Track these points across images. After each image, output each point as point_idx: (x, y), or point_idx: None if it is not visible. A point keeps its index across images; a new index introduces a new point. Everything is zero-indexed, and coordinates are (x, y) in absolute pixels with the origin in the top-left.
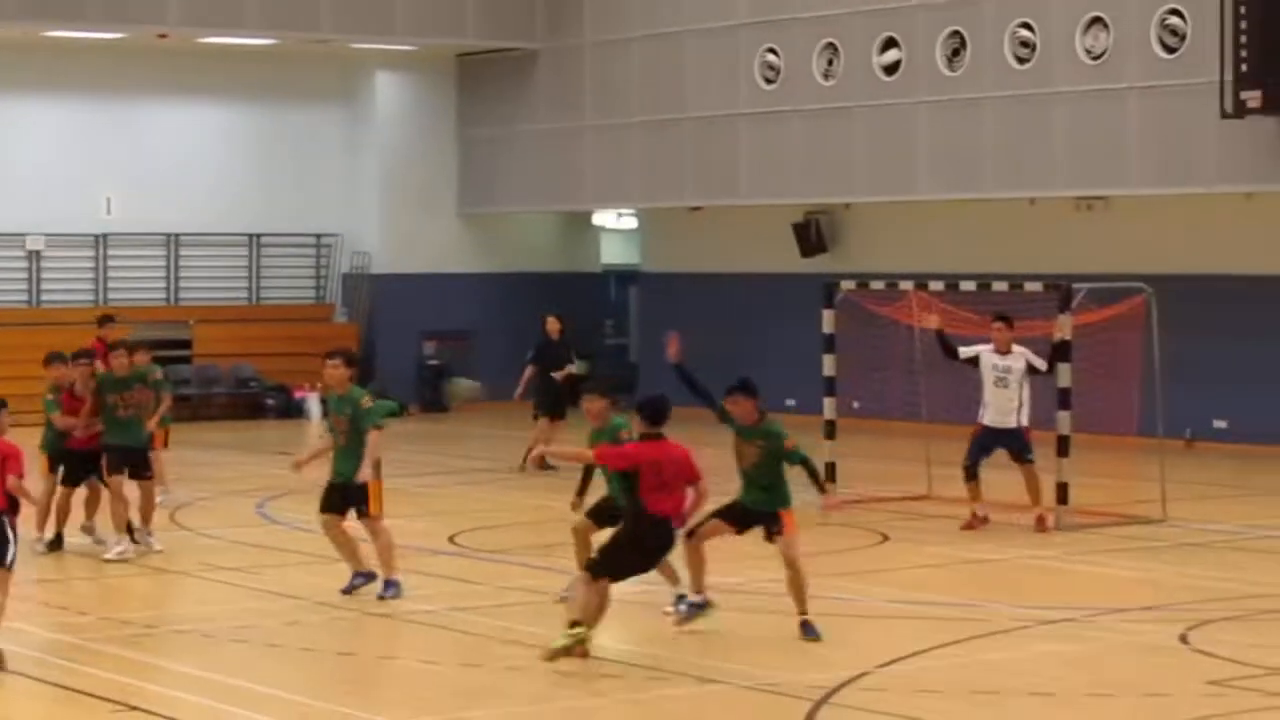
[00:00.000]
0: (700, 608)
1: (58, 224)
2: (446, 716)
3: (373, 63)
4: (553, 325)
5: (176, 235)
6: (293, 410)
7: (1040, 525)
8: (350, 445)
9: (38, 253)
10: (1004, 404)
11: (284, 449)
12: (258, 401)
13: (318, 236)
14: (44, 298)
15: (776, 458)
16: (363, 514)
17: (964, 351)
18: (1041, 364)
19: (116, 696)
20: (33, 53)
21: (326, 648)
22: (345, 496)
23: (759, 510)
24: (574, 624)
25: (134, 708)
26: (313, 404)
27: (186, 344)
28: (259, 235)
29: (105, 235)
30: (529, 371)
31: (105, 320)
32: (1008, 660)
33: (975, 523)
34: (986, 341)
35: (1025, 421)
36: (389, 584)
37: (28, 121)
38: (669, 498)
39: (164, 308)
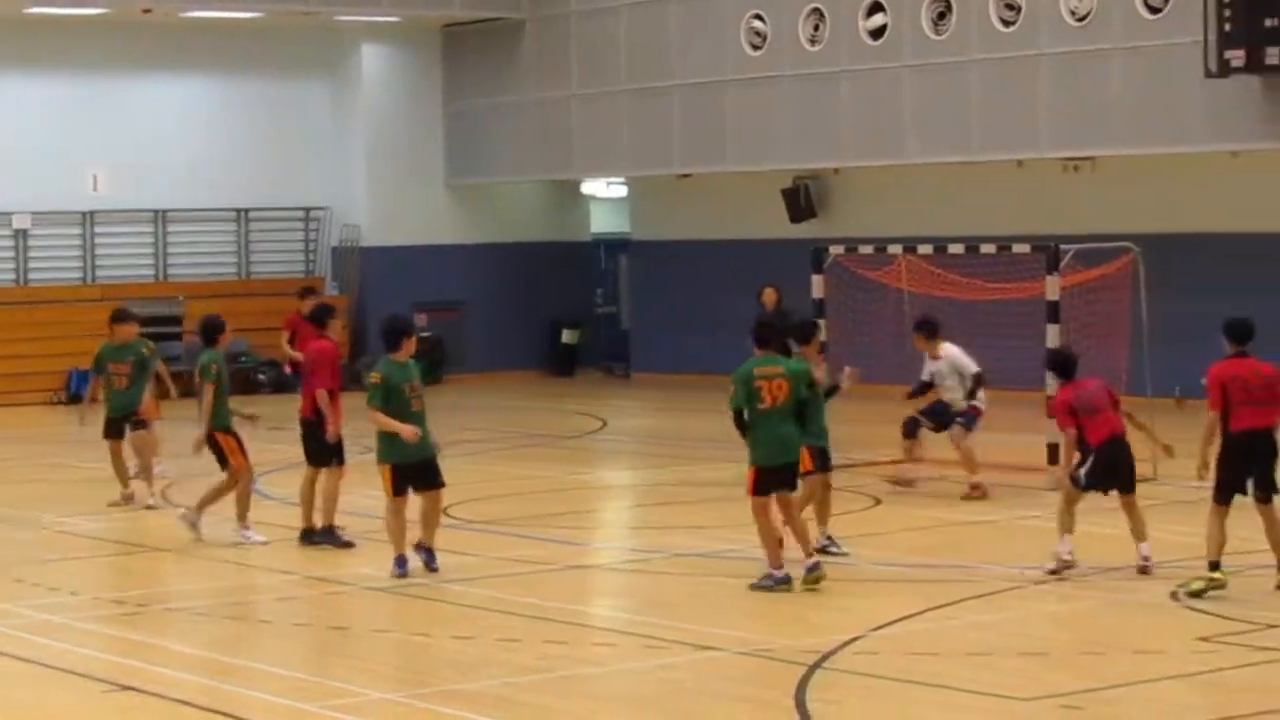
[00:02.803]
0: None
1: (44, 202)
2: (441, 689)
3: (359, 35)
4: (769, 296)
5: (164, 211)
6: (285, 385)
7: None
8: None
9: (25, 231)
10: (949, 397)
11: (277, 424)
12: (250, 376)
13: (306, 210)
14: (31, 276)
15: None
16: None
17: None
18: (970, 368)
19: (108, 676)
20: (17, 29)
21: (319, 623)
22: None
23: None
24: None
25: (126, 687)
26: None
27: (178, 320)
28: (247, 210)
29: (92, 212)
30: None
31: (307, 292)
32: (1000, 621)
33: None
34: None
35: (977, 404)
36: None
37: (12, 98)
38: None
39: (154, 284)
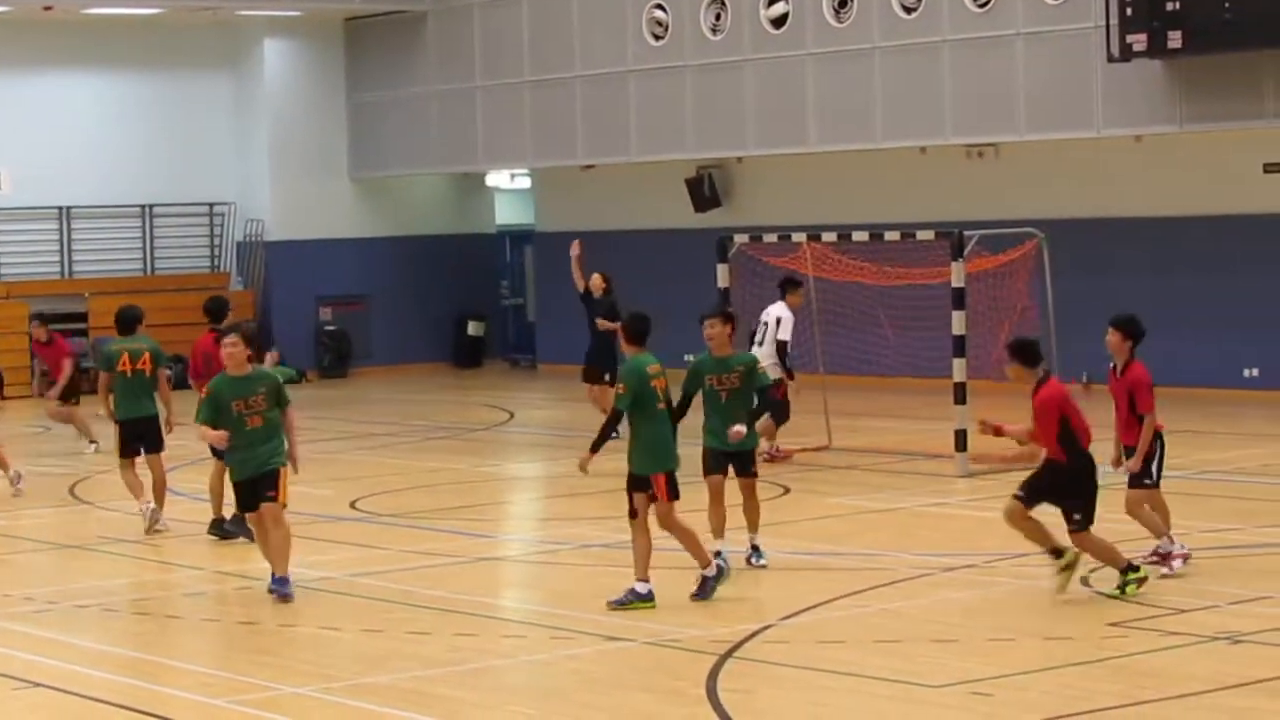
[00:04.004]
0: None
1: None
2: (350, 683)
3: (260, 29)
4: (596, 282)
5: (68, 208)
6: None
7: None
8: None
9: None
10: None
11: (183, 420)
12: None
13: (210, 205)
14: None
15: None
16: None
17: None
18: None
19: (18, 674)
20: None
21: (229, 618)
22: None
23: None
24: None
25: (36, 684)
26: None
27: (83, 317)
28: (151, 206)
29: None
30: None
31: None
32: (909, 608)
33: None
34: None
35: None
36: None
37: None
38: None
39: (58, 281)
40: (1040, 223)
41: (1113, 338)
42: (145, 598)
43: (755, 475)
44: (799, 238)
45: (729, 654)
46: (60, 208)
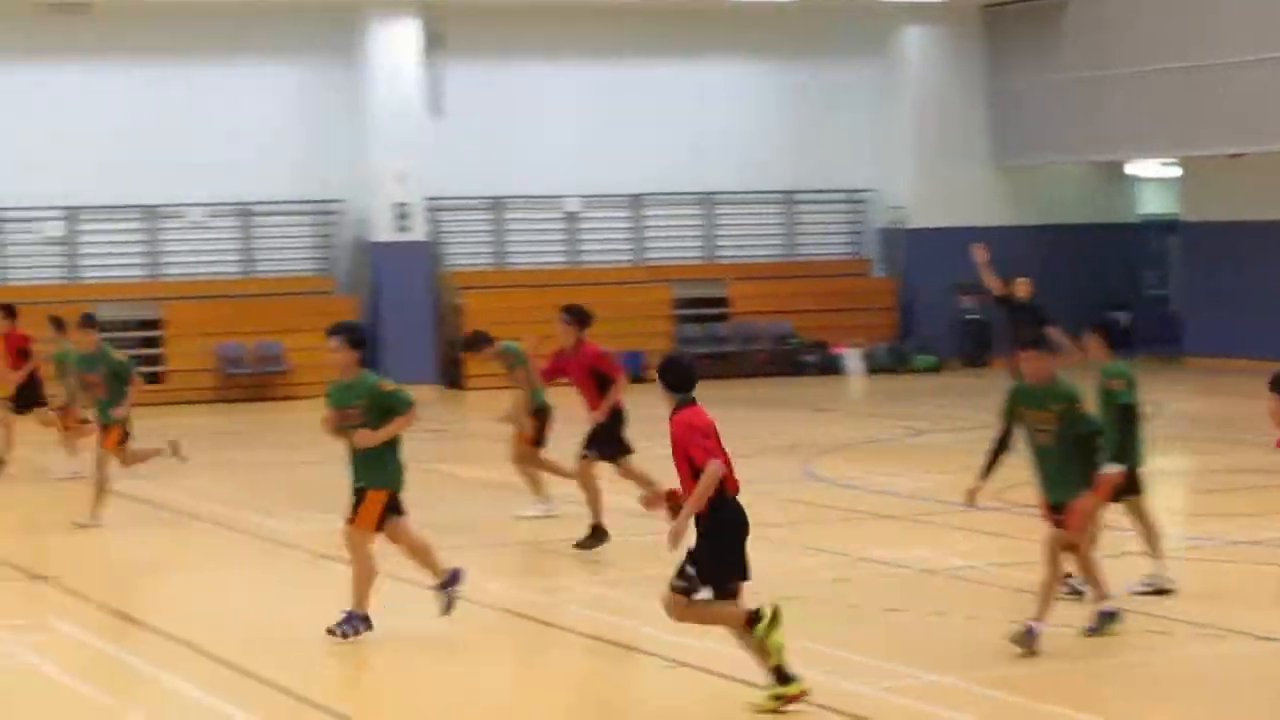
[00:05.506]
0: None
1: (593, 186)
2: (993, 673)
3: (902, 17)
4: (1024, 286)
5: (712, 194)
6: (830, 366)
7: None
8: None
9: (575, 213)
10: None
11: (820, 406)
12: (796, 358)
13: (851, 192)
14: (582, 257)
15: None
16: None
17: None
18: None
19: (665, 653)
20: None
21: (870, 605)
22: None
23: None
24: None
25: (682, 664)
26: (851, 360)
27: (722, 302)
28: (793, 192)
29: (641, 195)
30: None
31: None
32: None
33: None
34: None
35: None
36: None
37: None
38: None
39: (699, 265)
40: None
41: None
42: (785, 582)
43: None
44: None
45: None
46: (703, 194)
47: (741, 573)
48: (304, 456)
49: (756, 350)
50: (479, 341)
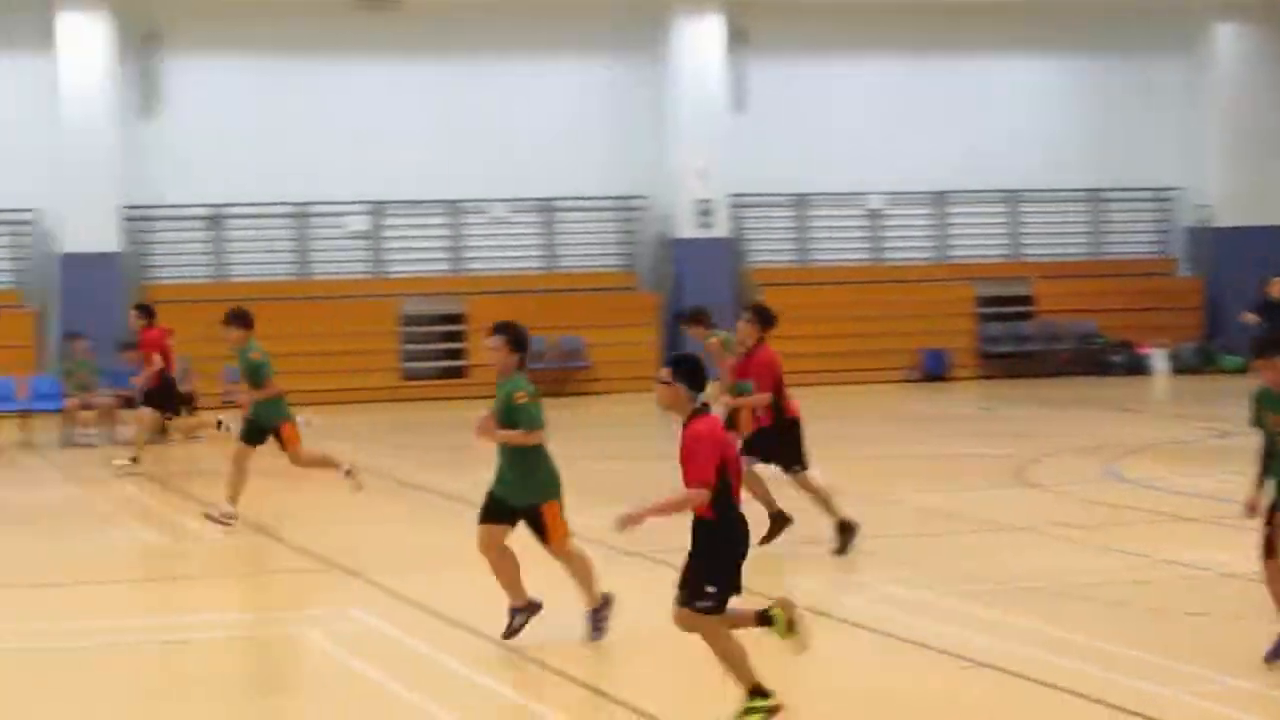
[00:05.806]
0: None
1: (895, 183)
2: None
3: (1212, 14)
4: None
5: (1016, 192)
6: (1136, 366)
7: None
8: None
9: (877, 210)
10: None
11: (1126, 406)
12: (1101, 358)
13: (1156, 190)
14: (885, 254)
15: None
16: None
17: None
18: None
19: (966, 653)
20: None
21: (1174, 606)
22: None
23: None
24: None
25: (983, 665)
26: (1158, 360)
27: (1026, 300)
28: (1098, 190)
29: (944, 193)
30: None
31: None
32: None
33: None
34: None
35: None
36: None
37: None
38: None
39: (1004, 263)
40: None
41: None
42: (1093, 583)
43: None
44: None
45: None
46: (1008, 191)
47: (737, 588)
48: (605, 450)
49: (1060, 349)
50: (703, 317)
